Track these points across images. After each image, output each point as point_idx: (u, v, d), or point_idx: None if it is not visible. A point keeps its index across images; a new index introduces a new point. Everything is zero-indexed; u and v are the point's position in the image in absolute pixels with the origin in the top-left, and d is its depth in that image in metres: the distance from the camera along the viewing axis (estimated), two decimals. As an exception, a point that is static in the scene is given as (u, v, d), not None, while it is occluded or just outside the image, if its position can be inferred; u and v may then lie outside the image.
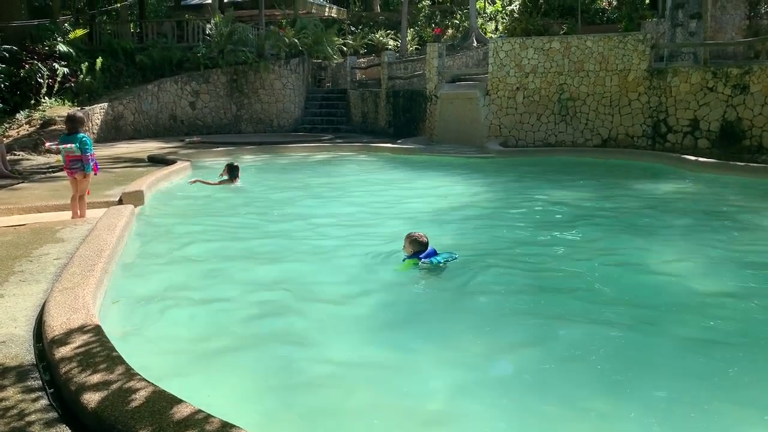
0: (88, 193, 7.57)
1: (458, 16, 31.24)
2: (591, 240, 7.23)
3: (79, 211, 7.43)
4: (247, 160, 14.49)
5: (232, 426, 2.58)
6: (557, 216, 8.54)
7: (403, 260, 5.90)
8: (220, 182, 10.59)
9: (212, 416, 2.65)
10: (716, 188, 10.20)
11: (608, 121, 14.47)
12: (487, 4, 31.46)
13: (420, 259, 5.80)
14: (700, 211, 8.71)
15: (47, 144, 14.06)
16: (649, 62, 13.99)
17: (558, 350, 4.33)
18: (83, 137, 7.20)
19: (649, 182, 10.92)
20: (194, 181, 10.74)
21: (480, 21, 28.13)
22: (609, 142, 14.48)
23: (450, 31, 29.70)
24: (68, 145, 7.09)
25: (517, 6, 26.24)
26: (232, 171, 10.70)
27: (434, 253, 5.87)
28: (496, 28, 27.89)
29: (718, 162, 11.55)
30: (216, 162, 13.49)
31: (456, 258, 5.96)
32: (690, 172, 11.41)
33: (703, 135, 13.22)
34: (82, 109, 16.73)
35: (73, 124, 7.19)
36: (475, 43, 25.31)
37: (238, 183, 10.68)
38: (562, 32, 22.34)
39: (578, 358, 4.20)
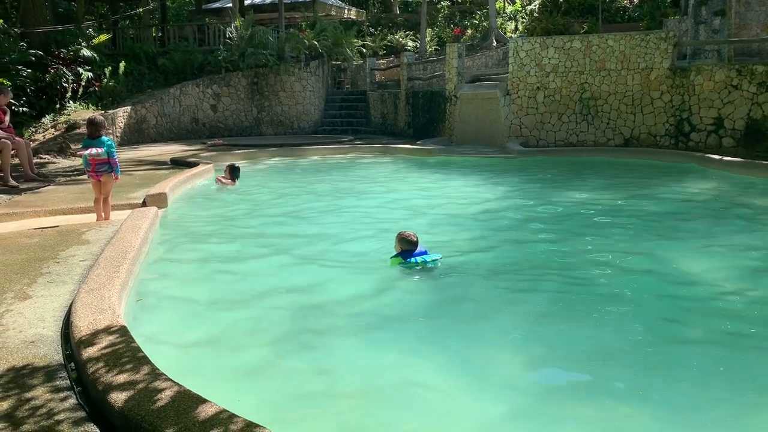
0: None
1: (478, 16, 31.15)
2: (614, 240, 7.16)
3: (103, 214, 7.54)
4: (268, 161, 14.62)
5: (257, 426, 2.59)
6: (580, 216, 8.47)
7: (390, 258, 5.97)
8: (225, 182, 10.87)
9: (237, 416, 2.67)
10: (742, 188, 10.04)
11: (630, 120, 14.32)
12: (506, 4, 31.31)
13: (406, 259, 5.86)
14: (726, 211, 8.57)
15: (74, 149, 14.26)
16: (672, 60, 13.82)
17: (578, 350, 4.30)
18: (109, 141, 7.31)
19: (673, 182, 10.77)
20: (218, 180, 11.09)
21: (499, 21, 28.01)
22: (631, 142, 14.33)
23: (469, 31, 29.62)
24: (98, 150, 7.19)
25: (537, 5, 26.10)
26: (234, 172, 10.95)
27: (424, 253, 5.91)
28: (516, 28, 27.75)
29: (743, 161, 11.37)
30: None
31: (438, 259, 5.98)
32: (715, 172, 11.24)
33: (728, 134, 13.03)
34: (105, 112, 16.98)
35: (96, 127, 7.25)
36: (494, 43, 25.21)
37: (236, 185, 10.93)
38: (582, 31, 22.18)
39: (598, 358, 4.16)
